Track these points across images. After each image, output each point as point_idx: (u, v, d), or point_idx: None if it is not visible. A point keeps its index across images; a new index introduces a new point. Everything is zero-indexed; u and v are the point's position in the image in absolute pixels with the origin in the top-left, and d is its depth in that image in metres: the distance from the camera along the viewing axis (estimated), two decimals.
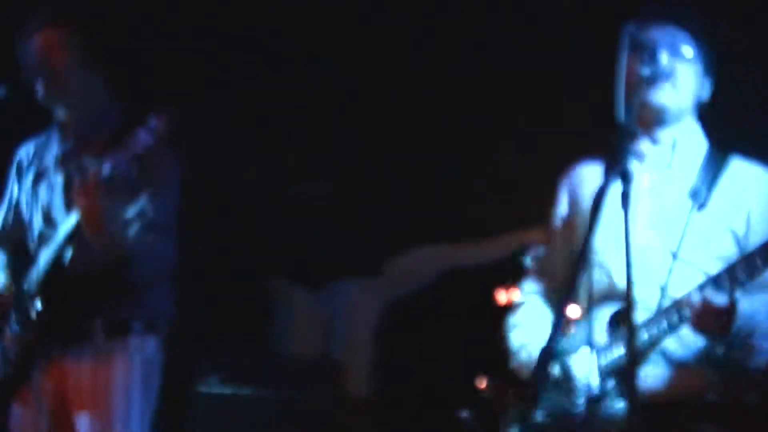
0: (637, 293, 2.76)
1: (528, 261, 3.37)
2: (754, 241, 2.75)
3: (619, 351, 2.72)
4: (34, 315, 3.21)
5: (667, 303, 2.75)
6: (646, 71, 2.62)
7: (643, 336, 2.68)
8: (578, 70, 5.11)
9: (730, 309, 2.59)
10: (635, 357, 2.18)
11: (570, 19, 4.76)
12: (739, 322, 2.63)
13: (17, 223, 3.53)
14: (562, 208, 3.21)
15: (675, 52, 2.81)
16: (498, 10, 4.94)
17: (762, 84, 4.62)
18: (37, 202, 3.45)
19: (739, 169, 2.93)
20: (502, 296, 8.13)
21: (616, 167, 2.25)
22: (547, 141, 6.20)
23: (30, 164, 3.54)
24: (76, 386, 3.27)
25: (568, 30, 4.82)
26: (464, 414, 6.67)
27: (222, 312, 6.77)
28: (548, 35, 4.91)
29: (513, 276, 8.08)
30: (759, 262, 2.51)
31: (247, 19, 4.98)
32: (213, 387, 6.05)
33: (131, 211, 3.27)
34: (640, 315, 2.75)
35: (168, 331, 3.46)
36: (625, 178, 2.26)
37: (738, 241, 2.83)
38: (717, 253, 2.81)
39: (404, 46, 5.34)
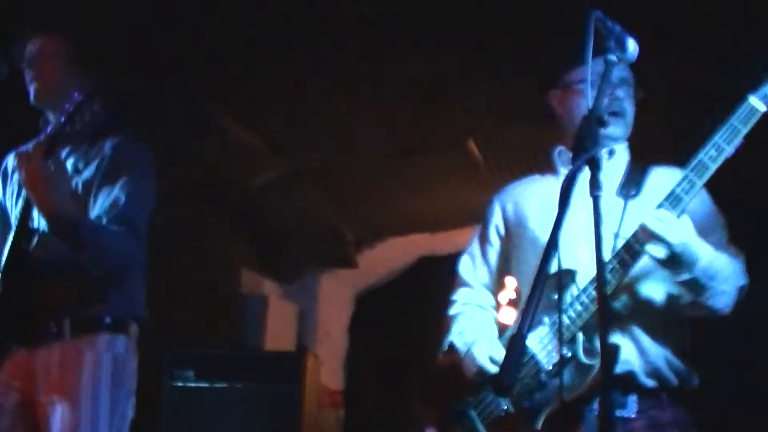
0: (583, 263, 2.90)
1: (459, 272, 3.39)
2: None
3: (572, 314, 2.81)
4: None
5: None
6: (612, 58, 2.63)
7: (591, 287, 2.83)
8: None
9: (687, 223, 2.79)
10: (607, 321, 2.20)
11: None
12: (703, 263, 2.80)
13: (4, 230, 3.51)
14: (495, 221, 3.33)
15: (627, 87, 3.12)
16: None
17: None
18: (19, 204, 3.44)
19: (659, 171, 3.13)
20: None
21: (584, 155, 2.26)
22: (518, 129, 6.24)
23: (15, 170, 3.54)
24: (45, 385, 3.24)
25: None
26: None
27: (195, 306, 6.76)
28: None
29: None
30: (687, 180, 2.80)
31: (238, 26, 4.98)
32: (188, 381, 6.07)
33: (106, 197, 3.27)
34: (583, 280, 2.89)
35: (139, 331, 3.43)
36: (593, 164, 2.28)
37: None
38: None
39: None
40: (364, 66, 5.51)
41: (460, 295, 3.40)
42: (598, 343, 2.42)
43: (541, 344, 2.92)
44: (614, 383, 2.48)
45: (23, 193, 3.31)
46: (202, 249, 6.98)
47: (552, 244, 2.10)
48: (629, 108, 3.13)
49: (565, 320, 2.83)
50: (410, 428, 7.16)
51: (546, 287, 2.21)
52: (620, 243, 2.87)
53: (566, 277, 2.88)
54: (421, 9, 4.97)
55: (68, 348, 3.25)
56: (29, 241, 3.19)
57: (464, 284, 3.41)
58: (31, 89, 3.49)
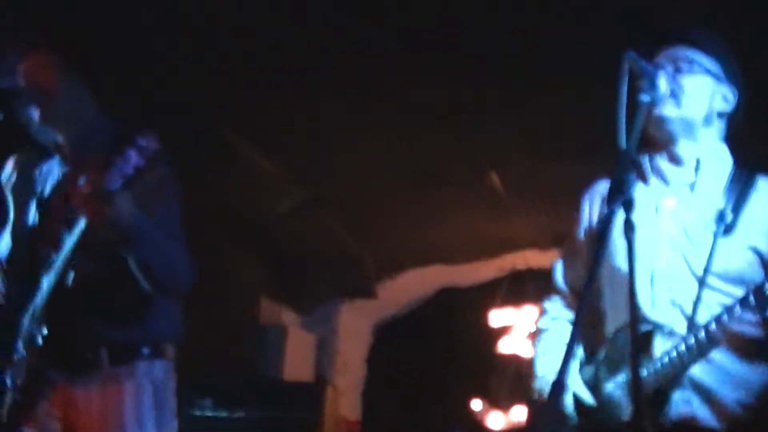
0: (665, 318, 2.79)
1: (554, 275, 3.28)
2: None
3: (647, 371, 2.72)
4: (39, 341, 3.18)
5: (694, 329, 2.74)
6: (645, 98, 2.63)
7: (673, 358, 2.69)
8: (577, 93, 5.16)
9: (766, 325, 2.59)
10: (639, 384, 2.18)
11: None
12: None
13: (18, 245, 3.50)
14: (585, 221, 3.13)
15: (676, 70, 2.83)
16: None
17: None
18: (42, 225, 3.43)
19: (765, 189, 2.88)
20: (494, 317, 8.19)
21: (619, 196, 2.24)
22: (541, 163, 6.24)
23: (32, 187, 3.53)
24: (86, 415, 3.23)
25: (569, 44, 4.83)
26: (457, 429, 6.73)
27: (214, 335, 6.76)
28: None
29: (505, 298, 8.20)
30: None
31: (233, 35, 4.98)
32: (207, 410, 6.06)
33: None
34: (670, 340, 2.74)
35: (176, 353, 3.42)
36: (627, 207, 2.26)
37: (764, 263, 2.79)
38: (743, 277, 2.77)
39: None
40: (388, 95, 5.54)
41: (551, 306, 3.29)
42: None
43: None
44: None
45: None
46: (222, 277, 6.98)
47: (589, 289, 2.08)
48: (685, 83, 2.86)
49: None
50: None
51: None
52: (711, 281, 2.77)
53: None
54: (446, 35, 4.98)
55: (108, 378, 3.24)
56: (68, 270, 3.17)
57: (557, 291, 3.29)
58: (35, 113, 3.43)
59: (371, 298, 8.35)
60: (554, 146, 5.99)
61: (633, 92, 2.58)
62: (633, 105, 2.57)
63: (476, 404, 7.99)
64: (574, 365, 3.00)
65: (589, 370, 2.95)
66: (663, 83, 2.74)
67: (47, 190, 3.49)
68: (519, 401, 7.87)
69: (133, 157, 2.94)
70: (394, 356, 8.35)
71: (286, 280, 7.85)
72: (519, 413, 7.85)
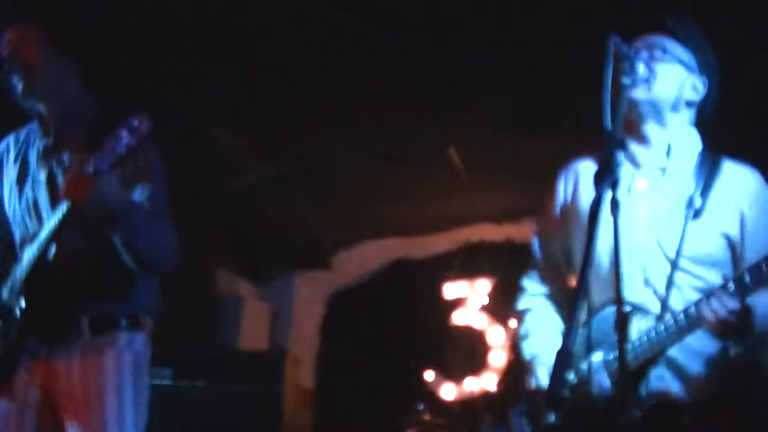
0: (640, 297, 2.94)
1: (532, 252, 3.36)
2: (749, 243, 2.91)
3: (627, 351, 2.81)
4: (18, 314, 3.21)
5: (668, 310, 2.86)
6: (626, 81, 2.73)
7: (652, 340, 2.81)
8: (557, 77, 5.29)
9: (746, 311, 2.69)
10: (626, 360, 2.28)
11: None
12: (759, 321, 2.72)
13: (1, 219, 3.51)
14: (560, 197, 3.25)
15: (652, 57, 2.94)
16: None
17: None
18: (22, 198, 3.44)
19: (731, 172, 3.02)
20: (448, 290, 8.30)
21: (608, 176, 2.34)
22: (504, 139, 6.34)
23: (12, 160, 3.53)
24: (67, 384, 3.25)
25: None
26: (420, 407, 6.83)
27: (170, 305, 6.77)
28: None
29: (459, 270, 8.30)
30: (765, 269, 2.62)
31: (219, 17, 5.01)
32: (166, 380, 6.07)
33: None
34: (644, 320, 2.89)
35: (153, 326, 3.47)
36: (613, 186, 2.36)
37: (732, 246, 2.94)
38: (712, 259, 2.93)
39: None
40: (348, 75, 5.59)
41: (529, 284, 3.39)
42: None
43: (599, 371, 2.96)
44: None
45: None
46: (181, 249, 6.98)
47: (586, 265, 2.18)
48: (658, 70, 2.97)
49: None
50: (383, 428, 7.24)
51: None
52: (682, 263, 2.91)
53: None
54: (406, 19, 5.06)
55: (88, 348, 3.28)
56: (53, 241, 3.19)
57: (535, 264, 3.38)
58: (18, 84, 3.45)
59: (327, 270, 8.44)
60: (512, 124, 6.10)
61: (615, 75, 2.70)
62: (615, 87, 2.69)
63: (429, 375, 8.09)
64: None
65: None
66: (641, 67, 2.86)
67: (28, 159, 3.51)
68: (471, 372, 8.00)
69: (125, 138, 2.97)
70: (349, 327, 8.43)
71: (243, 252, 7.88)
72: (471, 384, 7.98)
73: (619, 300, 2.29)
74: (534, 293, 3.35)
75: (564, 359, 2.05)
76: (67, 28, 3.56)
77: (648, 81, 2.94)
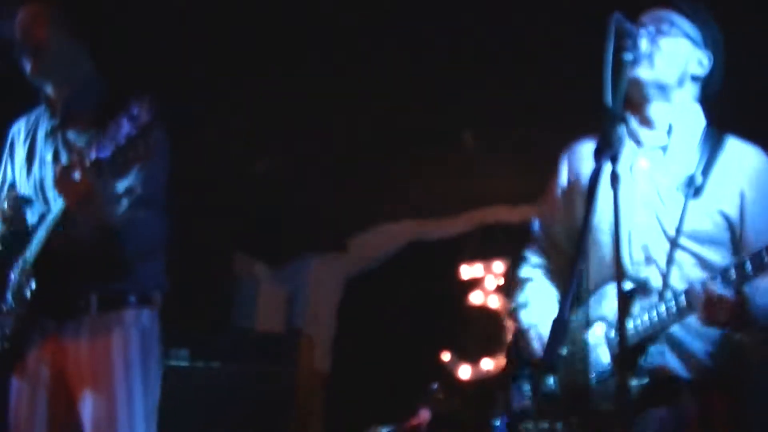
0: (642, 273, 2.94)
1: (533, 229, 3.36)
2: (749, 223, 2.90)
3: (629, 327, 2.82)
4: (28, 294, 3.25)
5: (669, 288, 2.87)
6: (628, 57, 2.73)
7: (653, 318, 2.82)
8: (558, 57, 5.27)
9: (741, 302, 2.67)
10: (625, 337, 2.29)
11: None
12: (758, 312, 2.71)
13: (14, 201, 3.55)
14: (563, 179, 3.26)
15: (659, 31, 2.94)
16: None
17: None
18: (30, 178, 3.48)
19: (734, 150, 2.99)
20: (464, 271, 8.32)
21: (607, 151, 2.35)
22: (512, 120, 6.34)
23: (23, 141, 3.56)
24: (75, 362, 3.29)
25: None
26: (434, 386, 6.85)
27: (188, 287, 6.82)
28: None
29: (474, 252, 8.31)
30: (767, 258, 2.59)
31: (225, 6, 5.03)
32: (182, 360, 6.13)
33: (120, 187, 3.29)
34: (645, 297, 2.89)
35: (161, 303, 3.50)
36: (613, 160, 2.37)
37: (730, 225, 2.93)
38: (712, 238, 2.92)
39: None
40: (361, 60, 5.60)
41: (531, 255, 3.40)
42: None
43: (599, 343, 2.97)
44: None
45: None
46: (198, 233, 7.03)
47: (584, 238, 2.19)
48: (662, 45, 2.97)
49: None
50: (399, 409, 7.28)
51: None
52: (682, 241, 2.91)
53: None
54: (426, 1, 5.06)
55: (97, 326, 3.31)
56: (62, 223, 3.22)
57: (535, 239, 3.40)
58: (28, 63, 3.47)
59: (343, 252, 8.46)
60: (529, 110, 6.10)
61: (618, 52, 2.70)
62: (617, 64, 2.69)
63: (445, 356, 8.12)
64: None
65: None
66: (644, 43, 2.86)
67: (36, 139, 3.54)
68: (487, 353, 8.01)
69: (125, 127, 2.98)
70: (365, 309, 8.46)
71: (259, 235, 7.92)
72: (487, 365, 8.00)
73: (618, 274, 2.30)
74: (535, 264, 3.36)
75: (560, 327, 2.07)
76: (79, 9, 3.58)
77: (651, 56, 2.94)
